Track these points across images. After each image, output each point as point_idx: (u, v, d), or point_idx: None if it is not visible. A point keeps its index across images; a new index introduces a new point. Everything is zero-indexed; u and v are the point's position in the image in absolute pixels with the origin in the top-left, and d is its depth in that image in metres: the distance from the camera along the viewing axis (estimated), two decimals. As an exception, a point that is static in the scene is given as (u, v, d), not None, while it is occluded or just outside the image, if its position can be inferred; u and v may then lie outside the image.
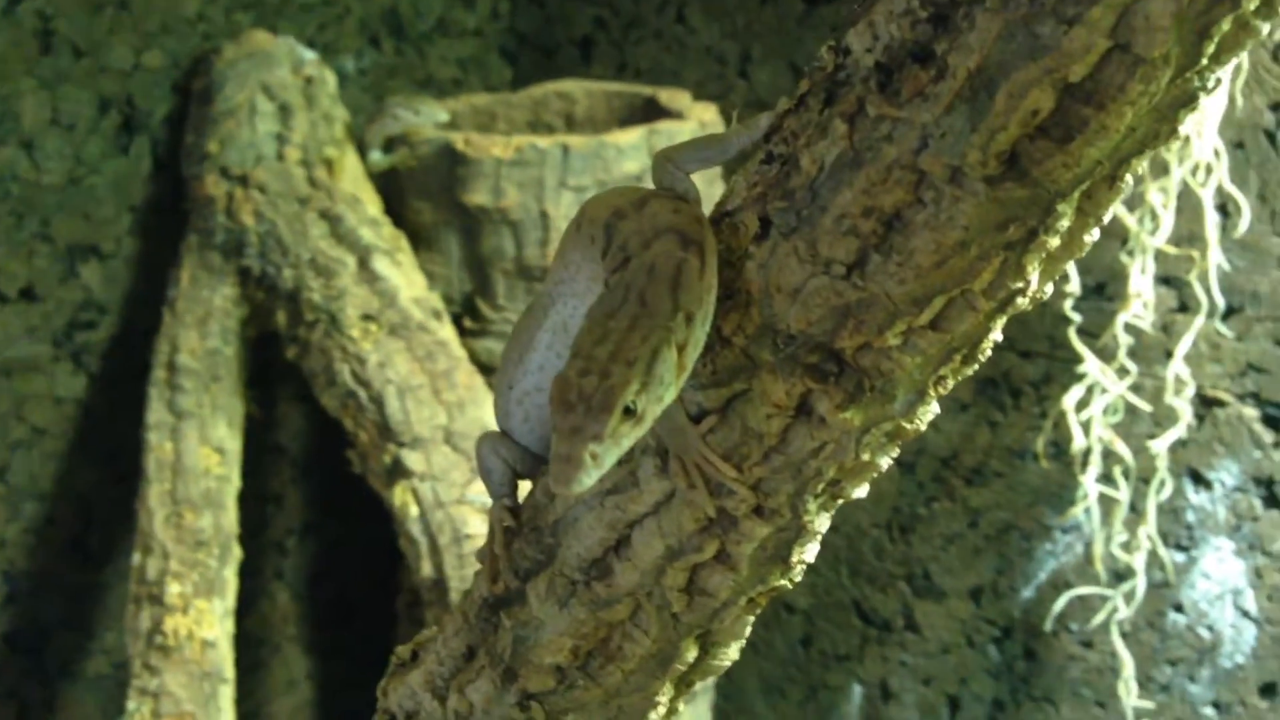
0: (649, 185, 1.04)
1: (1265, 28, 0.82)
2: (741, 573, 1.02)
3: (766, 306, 0.93)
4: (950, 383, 0.96)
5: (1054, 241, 0.88)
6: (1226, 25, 0.80)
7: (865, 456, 0.98)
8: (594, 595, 1.06)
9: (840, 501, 1.03)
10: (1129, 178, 0.89)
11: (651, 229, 0.94)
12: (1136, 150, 0.86)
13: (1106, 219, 0.91)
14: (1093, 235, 0.92)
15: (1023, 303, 0.92)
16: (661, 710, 1.12)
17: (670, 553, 1.02)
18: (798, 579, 1.06)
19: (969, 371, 0.97)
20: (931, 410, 0.98)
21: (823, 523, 1.03)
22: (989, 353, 0.97)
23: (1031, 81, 0.81)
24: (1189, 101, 0.84)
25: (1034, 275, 0.91)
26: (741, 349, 0.95)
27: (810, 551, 1.04)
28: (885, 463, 1.01)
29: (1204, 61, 0.82)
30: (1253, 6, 0.80)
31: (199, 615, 2.11)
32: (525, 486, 1.16)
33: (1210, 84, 0.83)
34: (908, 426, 0.97)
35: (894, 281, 0.89)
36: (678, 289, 0.90)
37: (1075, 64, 0.80)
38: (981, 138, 0.83)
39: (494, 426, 1.17)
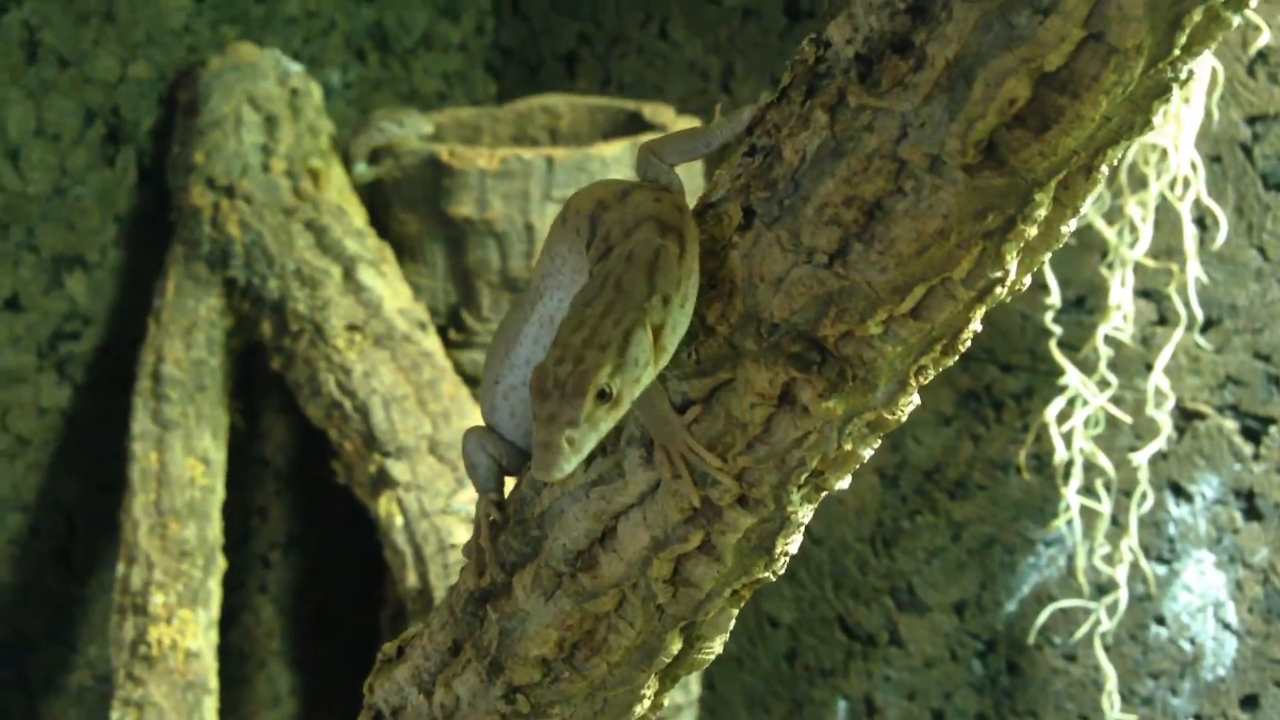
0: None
1: (1235, 20, 0.83)
2: (726, 563, 1.03)
3: (750, 295, 0.94)
4: (931, 373, 0.97)
5: (1032, 231, 0.90)
6: (1198, 16, 0.82)
7: (848, 446, 0.99)
8: (579, 587, 1.06)
9: (824, 494, 1.04)
10: (1105, 168, 0.90)
11: (633, 218, 0.95)
12: (1112, 140, 0.88)
13: (1084, 210, 0.93)
14: (1069, 226, 0.93)
15: (1001, 293, 0.94)
16: (646, 703, 1.12)
17: (655, 544, 1.03)
18: (781, 571, 1.06)
19: (949, 362, 0.98)
20: (913, 401, 0.99)
21: (806, 514, 1.04)
22: (969, 343, 0.98)
23: (1008, 71, 0.83)
24: (1162, 92, 0.86)
25: (1012, 265, 0.92)
26: (725, 338, 0.96)
27: (794, 543, 1.05)
28: (867, 453, 1.01)
29: (1176, 52, 0.83)
30: (1223, -2, 0.81)
31: (183, 625, 2.10)
32: (510, 482, 1.16)
33: (1183, 75, 0.85)
34: (889, 417, 0.98)
35: (875, 270, 0.90)
36: (654, 273, 0.91)
37: (1051, 53, 0.82)
38: (960, 126, 0.85)
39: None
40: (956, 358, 0.98)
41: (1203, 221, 2.16)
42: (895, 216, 0.88)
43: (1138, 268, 2.18)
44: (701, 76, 2.70)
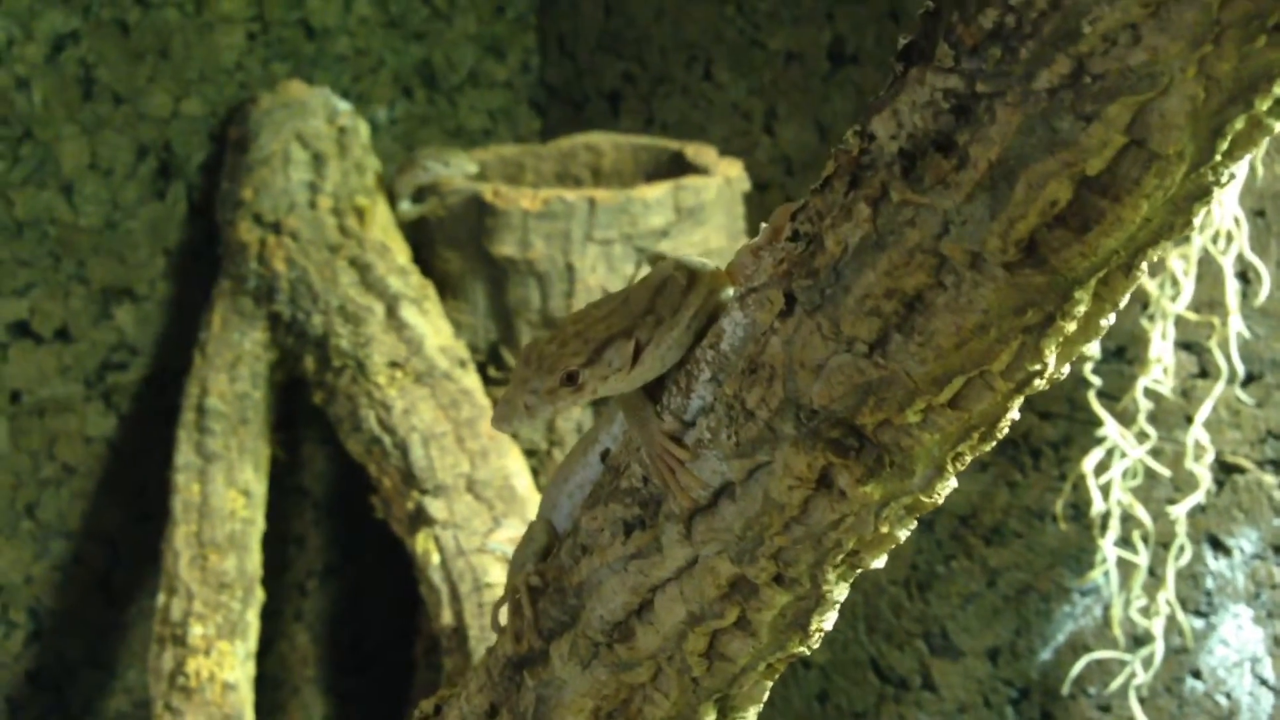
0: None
1: (1278, 126, 0.84)
2: (761, 639, 1.04)
3: (790, 381, 0.95)
4: (968, 458, 0.98)
5: (1071, 326, 0.90)
6: (1240, 124, 0.82)
7: (884, 529, 1.00)
8: (616, 657, 1.08)
9: (859, 571, 1.05)
10: (1145, 266, 0.91)
11: (661, 270, 1.06)
12: (1152, 240, 0.88)
13: (1123, 304, 0.93)
14: (1108, 320, 0.94)
15: (1040, 384, 0.94)
16: (678, 773, 1.13)
17: (692, 618, 1.04)
18: (816, 646, 1.07)
19: (986, 448, 0.99)
20: (949, 485, 1.00)
21: (841, 592, 1.05)
22: (1006, 430, 0.99)
23: (1050, 174, 0.84)
24: (1203, 195, 0.86)
25: (1051, 358, 0.93)
26: (765, 422, 0.97)
27: (829, 620, 1.06)
28: (904, 535, 1.02)
29: (1218, 158, 0.84)
30: (1265, 106, 0.82)
31: (221, 657, 2.13)
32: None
33: (1224, 179, 0.86)
34: (926, 500, 0.99)
35: (915, 361, 0.91)
36: (658, 295, 1.02)
37: (1092, 158, 0.82)
38: (1001, 225, 0.86)
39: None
40: (994, 444, 0.99)
41: (1245, 276, 2.15)
42: (935, 310, 0.89)
43: (1179, 320, 2.17)
44: (744, 118, 2.72)
